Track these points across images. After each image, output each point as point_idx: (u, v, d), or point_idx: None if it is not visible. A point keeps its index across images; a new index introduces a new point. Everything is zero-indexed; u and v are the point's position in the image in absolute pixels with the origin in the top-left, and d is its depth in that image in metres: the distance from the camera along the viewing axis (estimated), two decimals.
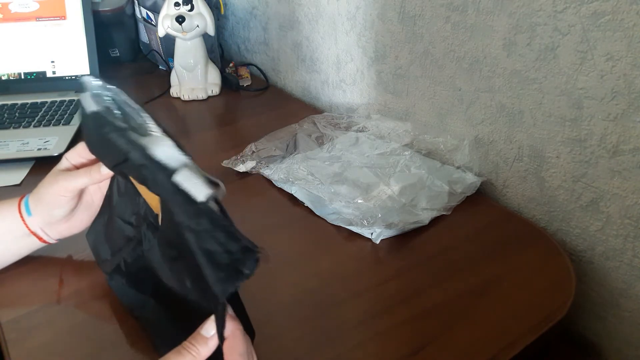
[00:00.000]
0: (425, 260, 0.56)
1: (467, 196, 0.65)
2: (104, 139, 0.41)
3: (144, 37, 1.15)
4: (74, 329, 0.47)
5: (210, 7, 0.93)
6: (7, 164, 0.73)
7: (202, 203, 0.33)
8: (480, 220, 0.62)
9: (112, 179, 0.49)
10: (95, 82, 0.46)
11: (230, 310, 0.35)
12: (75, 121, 0.83)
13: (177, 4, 0.90)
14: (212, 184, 0.35)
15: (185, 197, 0.34)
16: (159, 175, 0.35)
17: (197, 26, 0.91)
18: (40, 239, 0.50)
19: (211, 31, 0.93)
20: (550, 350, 0.56)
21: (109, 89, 0.46)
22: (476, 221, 0.62)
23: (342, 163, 0.71)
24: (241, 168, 0.71)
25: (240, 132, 0.86)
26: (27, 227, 0.49)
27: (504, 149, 0.66)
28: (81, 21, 0.94)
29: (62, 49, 0.95)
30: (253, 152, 0.75)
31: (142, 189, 0.42)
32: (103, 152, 0.45)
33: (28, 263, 0.53)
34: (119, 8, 1.08)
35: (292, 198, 0.65)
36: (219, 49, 1.08)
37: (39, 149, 0.75)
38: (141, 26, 1.14)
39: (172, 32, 0.91)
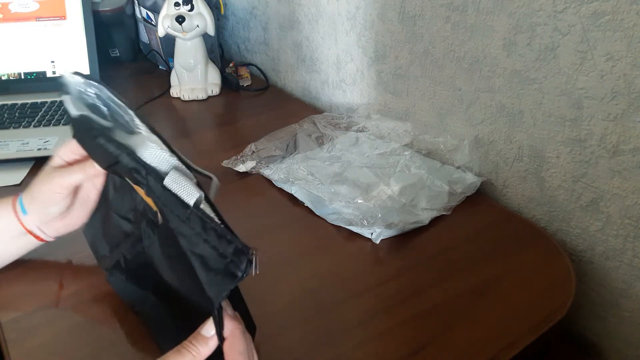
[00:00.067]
0: (425, 260, 0.56)
1: (467, 196, 0.65)
2: (93, 142, 0.41)
3: (144, 37, 1.15)
4: (74, 329, 0.47)
5: (210, 7, 0.93)
6: (7, 164, 0.73)
7: (192, 206, 0.33)
8: (480, 220, 0.62)
9: (107, 174, 0.49)
10: (76, 79, 0.45)
11: (230, 310, 0.35)
12: None
13: (177, 4, 0.90)
14: (206, 177, 0.35)
15: (176, 200, 0.34)
16: (150, 179, 0.36)
17: (197, 26, 0.91)
18: (37, 237, 0.50)
19: (211, 31, 0.93)
20: (550, 350, 0.55)
21: (91, 84, 0.45)
22: (476, 221, 0.62)
23: (342, 163, 0.71)
24: (241, 168, 0.71)
25: (240, 132, 0.86)
26: (23, 226, 0.49)
27: (504, 149, 0.66)
28: (81, 21, 0.94)
29: (62, 49, 0.95)
30: (253, 152, 0.75)
31: (137, 188, 0.42)
32: (94, 154, 0.44)
33: (28, 263, 0.53)
34: (119, 8, 1.08)
35: (292, 198, 0.65)
36: (219, 49, 1.08)
37: (39, 149, 0.75)
38: (141, 26, 1.14)
39: (172, 32, 0.91)
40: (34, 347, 0.45)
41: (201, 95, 0.98)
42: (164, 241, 0.41)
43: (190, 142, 0.83)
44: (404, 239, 0.59)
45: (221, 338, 0.34)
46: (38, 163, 0.73)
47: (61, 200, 0.48)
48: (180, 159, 0.38)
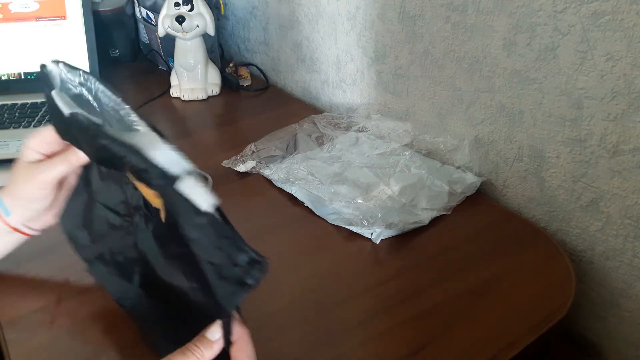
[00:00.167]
0: (425, 260, 0.56)
1: (467, 196, 0.65)
2: (93, 143, 0.38)
3: (144, 37, 1.15)
4: (74, 330, 0.47)
5: (210, 7, 0.93)
6: (7, 164, 0.72)
7: (206, 213, 0.32)
8: (480, 220, 0.62)
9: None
10: (58, 68, 0.42)
11: (237, 315, 0.35)
12: None
13: (177, 4, 0.90)
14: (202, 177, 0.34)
15: (189, 206, 0.32)
16: (161, 181, 0.34)
17: (197, 26, 0.91)
18: (24, 233, 0.49)
19: (211, 31, 0.93)
20: (550, 350, 0.55)
21: (75, 72, 0.42)
22: (476, 221, 0.62)
23: (342, 163, 0.71)
24: (241, 168, 0.71)
25: (240, 132, 0.86)
26: (8, 225, 0.47)
27: (504, 149, 0.66)
28: (81, 21, 0.94)
29: (62, 49, 0.95)
30: (253, 152, 0.75)
31: (139, 185, 0.41)
32: (89, 152, 0.42)
33: (28, 263, 0.53)
34: (119, 8, 1.08)
35: (292, 198, 0.65)
36: (219, 49, 1.08)
37: None
38: (141, 26, 1.14)
39: (172, 32, 0.91)
40: (34, 347, 0.45)
41: (201, 95, 0.98)
42: (163, 239, 0.40)
43: (190, 142, 0.83)
44: (404, 239, 0.59)
45: (228, 342, 0.34)
46: None
47: (46, 196, 0.46)
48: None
